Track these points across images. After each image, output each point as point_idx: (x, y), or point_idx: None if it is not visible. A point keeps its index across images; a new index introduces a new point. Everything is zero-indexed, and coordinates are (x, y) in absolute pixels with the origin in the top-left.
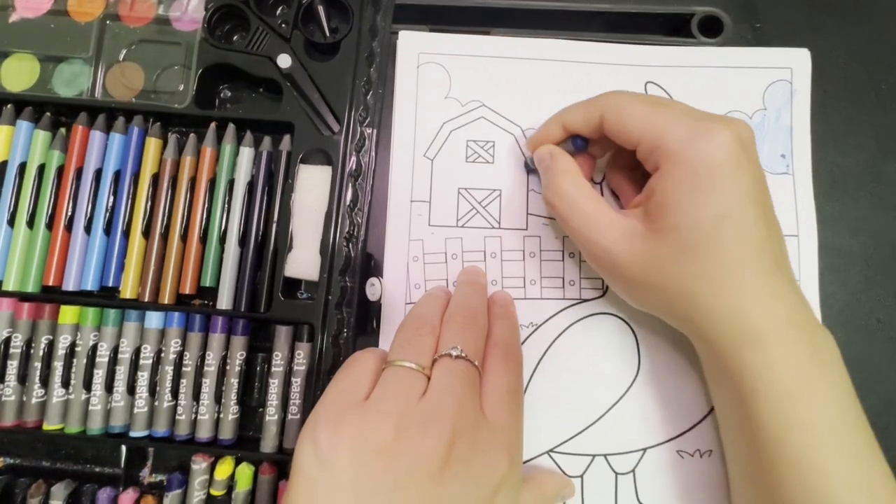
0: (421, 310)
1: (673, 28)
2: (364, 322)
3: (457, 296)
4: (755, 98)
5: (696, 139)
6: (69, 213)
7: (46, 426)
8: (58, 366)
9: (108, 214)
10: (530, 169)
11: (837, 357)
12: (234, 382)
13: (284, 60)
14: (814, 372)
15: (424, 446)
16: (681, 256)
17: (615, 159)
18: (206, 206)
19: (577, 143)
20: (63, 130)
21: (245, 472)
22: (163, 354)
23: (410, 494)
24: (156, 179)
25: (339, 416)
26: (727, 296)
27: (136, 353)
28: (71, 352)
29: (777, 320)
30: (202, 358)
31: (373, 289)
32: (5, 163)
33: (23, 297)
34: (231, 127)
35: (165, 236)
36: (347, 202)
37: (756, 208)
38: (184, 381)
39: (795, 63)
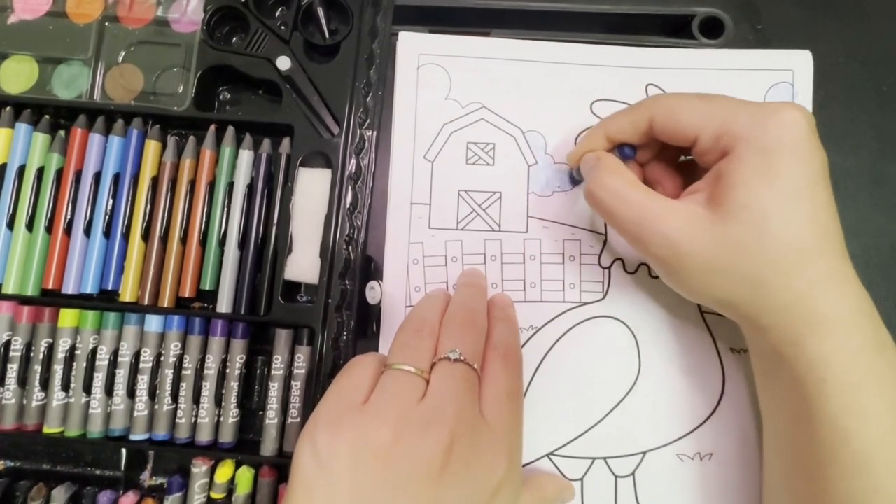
0: (420, 312)
1: (673, 29)
2: (364, 325)
3: (456, 298)
4: (757, 100)
5: (765, 120)
6: (68, 216)
7: (47, 429)
8: (58, 369)
9: (107, 217)
10: (575, 181)
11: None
12: (234, 386)
13: (284, 62)
14: (881, 363)
15: (423, 449)
16: (751, 238)
17: (656, 155)
18: (206, 208)
19: (626, 153)
20: (62, 133)
21: (245, 475)
22: (163, 358)
23: (409, 497)
24: (155, 182)
25: (338, 418)
26: (796, 280)
27: (136, 356)
28: (71, 355)
29: (846, 308)
30: (202, 361)
31: (372, 292)
32: (4, 165)
33: (22, 300)
34: (230, 129)
35: (165, 239)
36: (347, 205)
37: (826, 191)
38: (184, 385)
39: (797, 65)
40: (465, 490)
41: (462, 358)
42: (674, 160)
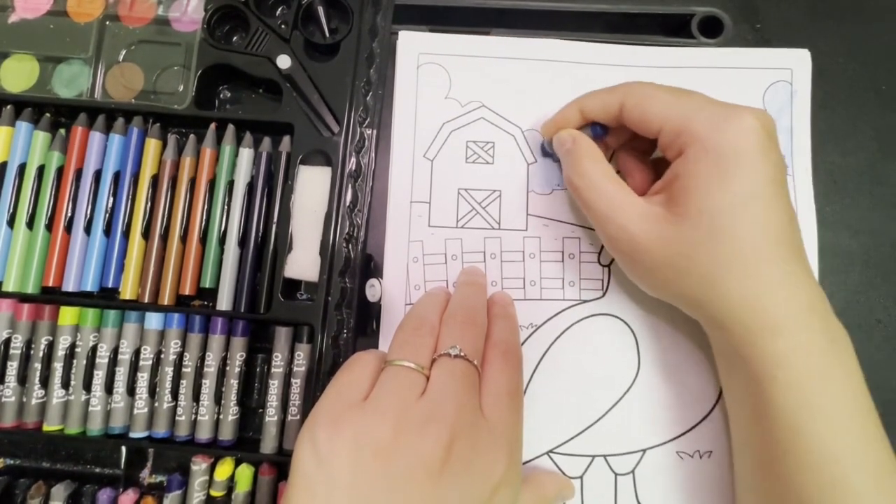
0: (420, 309)
1: (673, 28)
2: (364, 323)
3: (456, 296)
4: (755, 99)
5: (722, 124)
6: (69, 214)
7: (46, 427)
8: (58, 367)
9: (107, 215)
10: (546, 153)
11: (851, 347)
12: (233, 383)
13: (284, 61)
14: (831, 360)
15: (423, 446)
16: (705, 240)
17: (628, 145)
18: (206, 206)
19: (597, 131)
20: (62, 131)
21: (245, 472)
22: (162, 355)
23: (409, 494)
24: (155, 180)
25: (338, 415)
26: (749, 282)
27: (136, 354)
28: (71, 353)
29: (797, 308)
30: (202, 359)
31: (372, 290)
32: (5, 164)
33: (22, 298)
34: (231, 128)
35: (165, 237)
36: (347, 203)
37: (779, 195)
38: (184, 382)
39: (795, 64)
40: (466, 487)
41: (462, 354)
42: (647, 153)
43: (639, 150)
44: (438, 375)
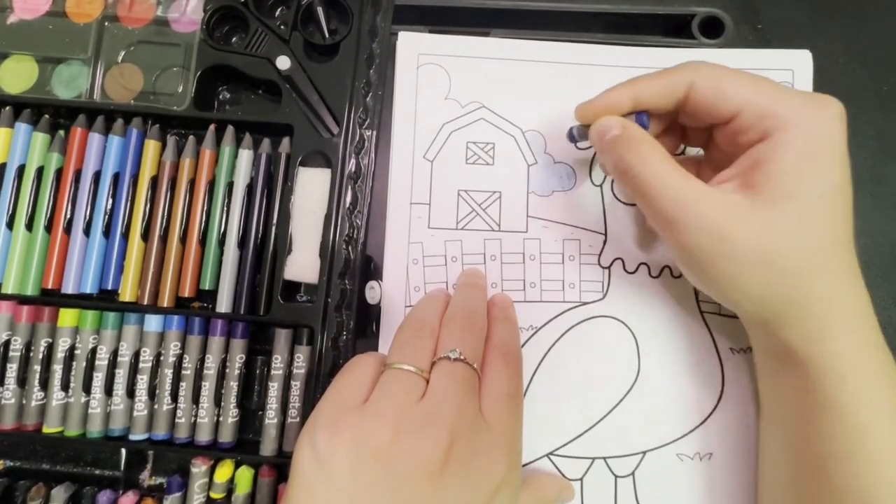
0: (420, 312)
1: (673, 29)
2: (364, 325)
3: (456, 298)
4: None
5: (815, 110)
6: (68, 216)
7: (46, 429)
8: (57, 369)
9: (106, 217)
10: (575, 139)
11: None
12: (233, 385)
13: (283, 62)
14: (886, 358)
15: (422, 449)
16: (795, 229)
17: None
18: (205, 208)
19: (643, 120)
20: (62, 132)
21: (245, 475)
22: (162, 357)
23: (408, 495)
24: (155, 182)
25: (338, 418)
26: (828, 275)
27: (136, 356)
28: (70, 355)
29: (860, 305)
30: (202, 361)
31: (372, 292)
32: (4, 165)
33: (22, 300)
34: (230, 129)
35: (164, 239)
36: (347, 204)
37: (851, 189)
38: (183, 385)
39: (797, 64)
40: (465, 490)
41: (462, 357)
42: (675, 148)
43: (667, 145)
44: (438, 379)
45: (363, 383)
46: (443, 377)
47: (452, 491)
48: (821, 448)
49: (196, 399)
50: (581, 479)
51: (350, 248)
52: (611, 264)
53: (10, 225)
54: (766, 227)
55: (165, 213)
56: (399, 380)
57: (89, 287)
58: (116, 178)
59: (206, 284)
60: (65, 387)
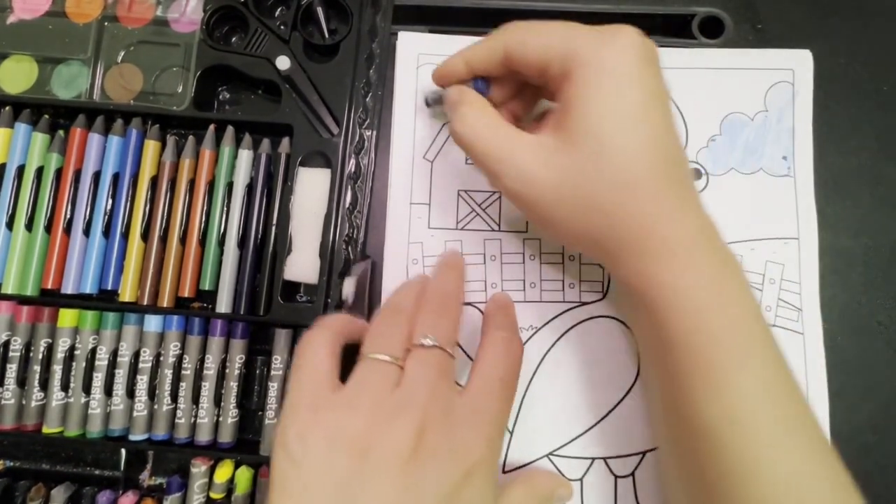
0: (395, 300)
1: (673, 29)
2: None
3: (431, 284)
4: (757, 99)
5: (604, 44)
6: (68, 216)
7: (46, 429)
8: (57, 369)
9: (106, 217)
10: (429, 104)
11: (743, 273)
12: (233, 386)
13: (283, 62)
14: (724, 285)
15: (394, 434)
16: (592, 163)
17: (514, 101)
18: (205, 208)
19: (479, 86)
20: (61, 132)
21: (244, 475)
22: (162, 358)
23: (383, 484)
24: (154, 182)
25: (312, 411)
26: (639, 206)
27: (136, 356)
28: (70, 355)
29: (688, 233)
30: (201, 361)
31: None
32: (3, 165)
33: (22, 300)
34: (230, 129)
35: (164, 239)
36: (347, 205)
37: (664, 115)
38: (183, 385)
39: (797, 64)
40: (438, 472)
41: (436, 344)
42: (532, 105)
43: (524, 102)
44: (412, 367)
45: (325, 366)
46: (417, 365)
47: (425, 474)
48: (670, 381)
49: (196, 399)
50: (581, 480)
51: (350, 248)
52: None
53: (10, 225)
54: (568, 167)
55: (165, 214)
56: (374, 370)
57: (89, 287)
58: (116, 179)
59: (206, 285)
60: (64, 387)
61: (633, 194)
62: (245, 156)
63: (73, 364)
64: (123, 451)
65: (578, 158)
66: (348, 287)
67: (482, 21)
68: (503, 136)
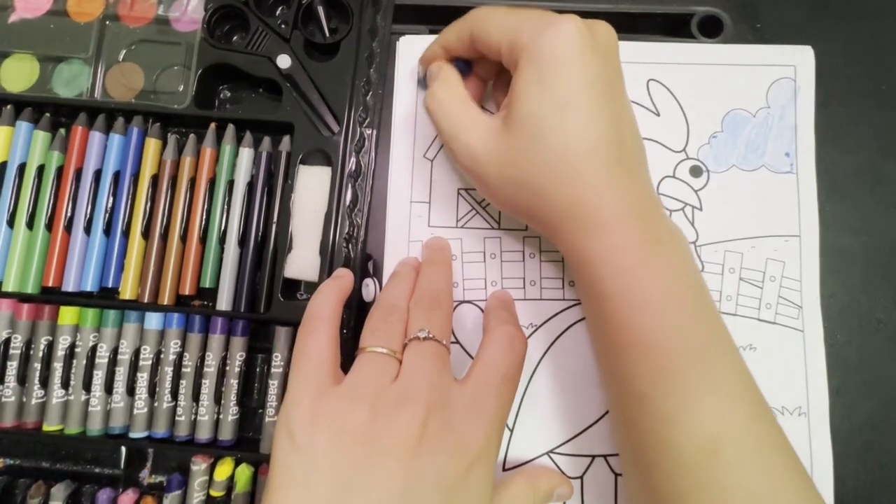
0: (388, 297)
1: (673, 28)
2: (363, 323)
3: (422, 279)
4: (758, 96)
5: (542, 31)
6: (69, 214)
7: (46, 427)
8: (57, 367)
9: (107, 215)
10: (426, 85)
11: (684, 248)
12: (233, 383)
13: (284, 61)
14: (655, 258)
15: (399, 424)
16: (528, 146)
17: (501, 78)
18: (206, 206)
19: (459, 66)
20: (62, 131)
21: (245, 472)
22: (162, 355)
23: (388, 473)
24: (155, 180)
25: (314, 403)
26: (571, 186)
27: (136, 354)
28: (70, 353)
29: (618, 210)
30: (202, 359)
31: (367, 290)
32: (5, 163)
33: (22, 297)
34: (231, 127)
35: (165, 237)
36: (347, 203)
37: (601, 100)
38: (183, 382)
39: (799, 60)
40: (441, 462)
41: (431, 336)
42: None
43: (507, 81)
44: (410, 358)
45: (325, 356)
46: (414, 356)
47: (430, 463)
48: (606, 347)
49: (196, 397)
50: (581, 477)
51: (350, 246)
52: None
53: (11, 223)
54: (510, 150)
55: (166, 212)
56: (373, 362)
57: (90, 285)
58: (117, 177)
59: (207, 282)
60: (65, 385)
61: (563, 175)
62: (246, 154)
63: (74, 362)
64: (123, 449)
65: (519, 142)
66: (370, 288)
67: None
68: (464, 114)
